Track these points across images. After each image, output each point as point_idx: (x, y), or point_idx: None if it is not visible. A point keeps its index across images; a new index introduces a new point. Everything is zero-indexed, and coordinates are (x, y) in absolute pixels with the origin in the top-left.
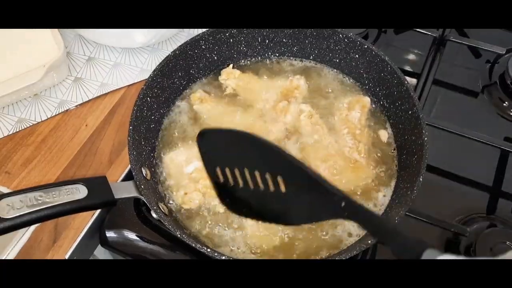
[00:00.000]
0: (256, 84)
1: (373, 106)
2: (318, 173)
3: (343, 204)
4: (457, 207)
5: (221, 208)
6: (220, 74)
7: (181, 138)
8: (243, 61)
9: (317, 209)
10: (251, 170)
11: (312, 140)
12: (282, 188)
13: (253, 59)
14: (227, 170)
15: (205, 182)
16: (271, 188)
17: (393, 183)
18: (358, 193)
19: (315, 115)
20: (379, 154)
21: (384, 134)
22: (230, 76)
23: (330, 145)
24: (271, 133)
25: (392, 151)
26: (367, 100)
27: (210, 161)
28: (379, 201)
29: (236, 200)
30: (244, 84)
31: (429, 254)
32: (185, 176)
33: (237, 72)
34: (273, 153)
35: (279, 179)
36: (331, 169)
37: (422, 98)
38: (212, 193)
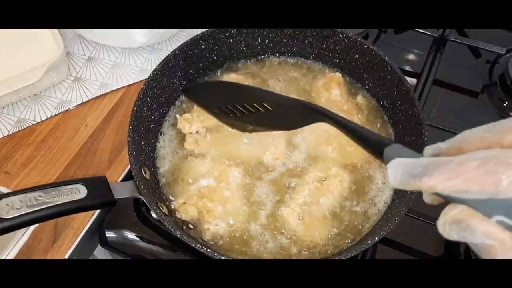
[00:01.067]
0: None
1: (373, 102)
2: (286, 96)
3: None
4: None
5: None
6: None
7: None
8: (243, 60)
9: (301, 118)
10: (241, 104)
11: (311, 128)
12: (270, 109)
13: (252, 59)
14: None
15: (208, 204)
16: (262, 110)
17: None
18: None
19: None
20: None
21: (361, 99)
22: (188, 122)
23: (329, 127)
24: (275, 133)
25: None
26: (338, 75)
27: (206, 105)
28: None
29: (239, 124)
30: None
31: (392, 149)
32: (196, 187)
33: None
34: (250, 90)
35: (265, 104)
36: (338, 149)
37: (422, 98)
38: (207, 218)
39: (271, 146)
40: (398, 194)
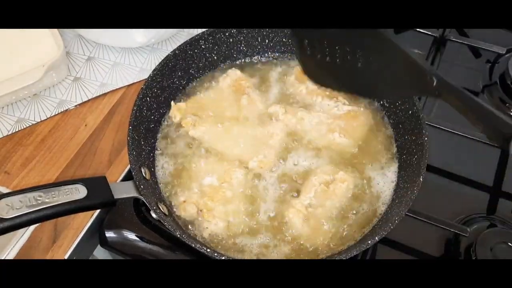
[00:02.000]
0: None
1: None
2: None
3: (435, 83)
4: (457, 207)
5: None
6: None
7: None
8: (243, 60)
9: (404, 85)
10: (338, 44)
11: (310, 124)
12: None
13: (252, 58)
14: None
15: (209, 203)
16: (359, 63)
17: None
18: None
19: (286, 106)
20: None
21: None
22: (180, 112)
23: (323, 117)
24: (275, 135)
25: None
26: (294, 63)
27: (298, 33)
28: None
29: (323, 73)
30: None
31: None
32: (198, 184)
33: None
34: (364, 32)
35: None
36: (342, 132)
37: (422, 98)
38: (207, 216)
39: (260, 153)
40: (399, 194)
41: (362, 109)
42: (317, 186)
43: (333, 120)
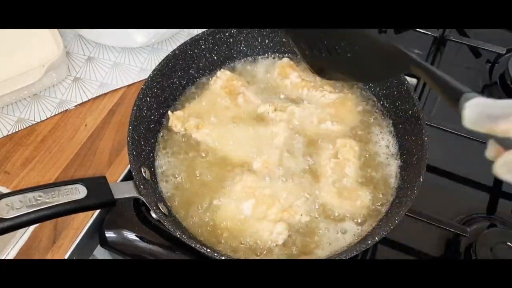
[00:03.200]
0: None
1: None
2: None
3: (411, 65)
4: (457, 207)
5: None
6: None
7: None
8: (243, 60)
9: (386, 66)
10: (330, 43)
11: (301, 117)
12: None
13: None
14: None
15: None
16: (348, 53)
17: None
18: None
19: (275, 103)
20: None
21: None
22: (179, 120)
23: (312, 108)
24: (279, 135)
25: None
26: (284, 60)
27: (296, 37)
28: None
29: (322, 69)
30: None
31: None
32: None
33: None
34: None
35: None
36: (334, 120)
37: (422, 98)
38: None
39: (264, 154)
40: (399, 194)
41: (350, 94)
42: (329, 162)
43: (322, 109)
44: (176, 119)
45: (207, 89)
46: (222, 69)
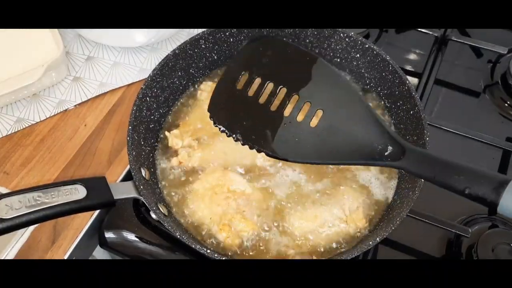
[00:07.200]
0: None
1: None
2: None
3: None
4: (459, 208)
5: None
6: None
7: None
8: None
9: (356, 150)
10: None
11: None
12: (315, 121)
13: None
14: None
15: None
16: (299, 118)
17: (394, 184)
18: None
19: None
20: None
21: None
22: (177, 137)
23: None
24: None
25: None
26: None
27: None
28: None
29: (252, 130)
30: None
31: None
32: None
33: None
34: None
35: (318, 110)
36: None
37: (424, 98)
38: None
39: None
40: (400, 195)
41: None
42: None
43: None
44: (175, 138)
45: (196, 103)
46: (204, 82)
